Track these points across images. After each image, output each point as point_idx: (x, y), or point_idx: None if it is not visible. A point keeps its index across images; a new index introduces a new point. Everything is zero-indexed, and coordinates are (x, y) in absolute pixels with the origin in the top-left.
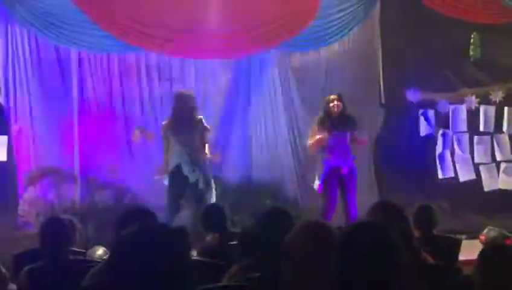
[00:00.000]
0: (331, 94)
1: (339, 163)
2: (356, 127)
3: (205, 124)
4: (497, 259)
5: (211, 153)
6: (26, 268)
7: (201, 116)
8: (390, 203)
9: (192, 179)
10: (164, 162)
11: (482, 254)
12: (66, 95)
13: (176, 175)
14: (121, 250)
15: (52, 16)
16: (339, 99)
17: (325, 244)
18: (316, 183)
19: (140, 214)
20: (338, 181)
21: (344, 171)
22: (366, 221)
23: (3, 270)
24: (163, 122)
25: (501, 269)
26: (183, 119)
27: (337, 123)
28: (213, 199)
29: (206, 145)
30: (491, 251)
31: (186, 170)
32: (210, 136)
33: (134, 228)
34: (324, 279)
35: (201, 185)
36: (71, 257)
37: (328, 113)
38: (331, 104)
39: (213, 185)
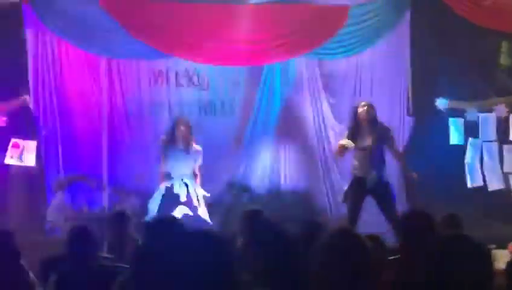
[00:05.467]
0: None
1: (364, 175)
2: (389, 138)
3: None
4: None
5: None
6: (55, 274)
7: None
8: (422, 213)
9: None
10: None
11: (509, 264)
12: (95, 102)
13: None
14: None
15: (82, 21)
16: (369, 105)
17: (353, 251)
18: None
19: (168, 222)
20: (364, 193)
21: (370, 183)
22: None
23: (32, 275)
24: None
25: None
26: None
27: (365, 133)
28: None
29: None
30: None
31: None
32: None
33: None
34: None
35: None
36: (99, 262)
37: (357, 120)
38: (360, 110)
39: None
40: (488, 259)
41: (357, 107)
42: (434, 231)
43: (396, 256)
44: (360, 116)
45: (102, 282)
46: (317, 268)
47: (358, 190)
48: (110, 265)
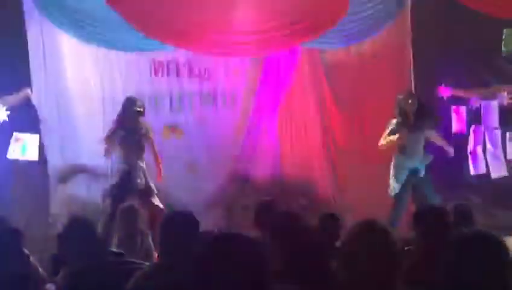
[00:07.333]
0: (405, 93)
1: (416, 165)
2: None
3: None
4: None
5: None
6: (67, 269)
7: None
8: (437, 208)
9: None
10: None
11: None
12: (94, 94)
13: None
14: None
15: (83, 14)
16: (414, 96)
17: (381, 243)
18: (392, 187)
19: (185, 219)
20: (412, 185)
21: (421, 173)
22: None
23: (41, 270)
24: None
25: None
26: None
27: (415, 123)
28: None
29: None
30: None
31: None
32: None
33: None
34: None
35: None
36: (112, 258)
37: (406, 111)
38: (410, 101)
39: None
40: (506, 255)
41: (402, 98)
42: (448, 224)
43: (409, 247)
44: (409, 107)
45: (118, 280)
46: None
47: (408, 183)
48: (124, 261)
